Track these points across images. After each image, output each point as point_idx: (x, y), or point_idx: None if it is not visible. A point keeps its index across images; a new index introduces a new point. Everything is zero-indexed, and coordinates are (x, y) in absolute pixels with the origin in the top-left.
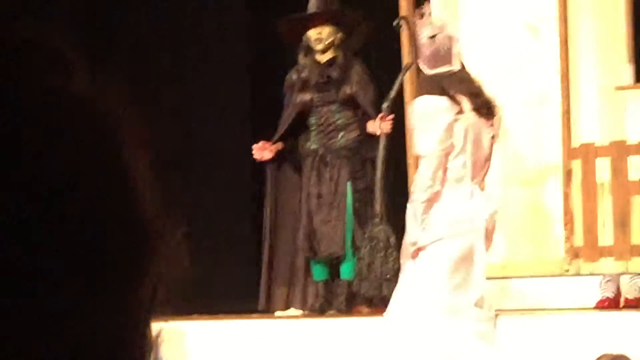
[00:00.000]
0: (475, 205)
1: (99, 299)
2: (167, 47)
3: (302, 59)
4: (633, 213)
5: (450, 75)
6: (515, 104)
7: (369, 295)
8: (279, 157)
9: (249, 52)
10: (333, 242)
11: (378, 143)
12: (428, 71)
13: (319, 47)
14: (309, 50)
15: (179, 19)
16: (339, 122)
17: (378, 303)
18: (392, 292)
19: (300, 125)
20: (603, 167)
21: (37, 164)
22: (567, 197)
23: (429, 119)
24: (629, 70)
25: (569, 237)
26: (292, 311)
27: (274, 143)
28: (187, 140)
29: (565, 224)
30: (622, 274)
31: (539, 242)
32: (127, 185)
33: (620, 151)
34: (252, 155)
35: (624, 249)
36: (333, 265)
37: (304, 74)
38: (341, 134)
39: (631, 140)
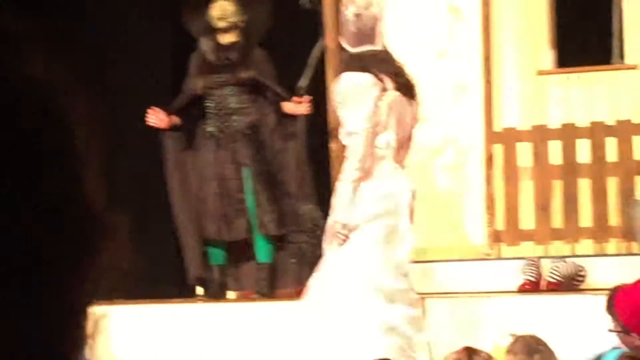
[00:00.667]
0: (399, 183)
1: (45, 284)
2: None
3: (203, 43)
4: (554, 197)
5: (373, 54)
6: (437, 87)
7: (303, 276)
8: (177, 133)
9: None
10: (238, 226)
11: (277, 125)
12: (351, 49)
13: (222, 24)
14: (211, 32)
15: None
16: (231, 105)
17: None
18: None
19: (200, 108)
20: (524, 152)
21: None
22: (488, 181)
23: (356, 95)
24: (550, 56)
25: (490, 221)
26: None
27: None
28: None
29: (487, 208)
30: (543, 257)
31: (460, 226)
32: (78, 173)
33: (541, 136)
34: None
35: (545, 233)
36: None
37: (205, 57)
38: (234, 117)
39: (552, 125)
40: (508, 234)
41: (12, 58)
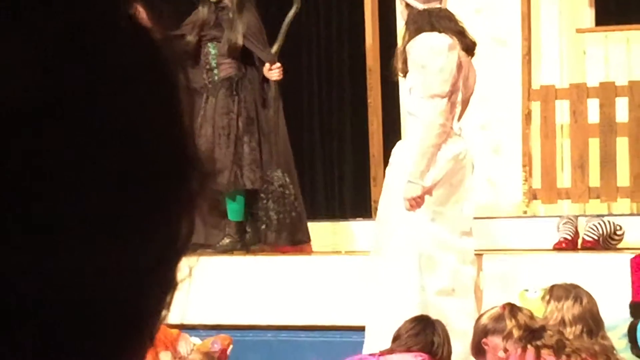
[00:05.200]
0: (462, 142)
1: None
2: None
3: (202, 3)
4: (591, 156)
5: (439, 12)
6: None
7: (269, 240)
8: None
9: None
10: (251, 174)
11: (259, 86)
12: (420, 6)
13: None
14: None
15: None
16: (213, 61)
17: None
18: (293, 236)
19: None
20: (562, 110)
21: (111, 101)
22: (526, 138)
23: (437, 58)
24: (589, 14)
25: (527, 179)
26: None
27: None
28: None
29: (524, 166)
30: (580, 216)
31: (497, 184)
32: (183, 124)
33: (579, 94)
34: None
35: (582, 191)
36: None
37: (200, 15)
38: (215, 71)
39: (590, 83)
40: (545, 192)
41: None
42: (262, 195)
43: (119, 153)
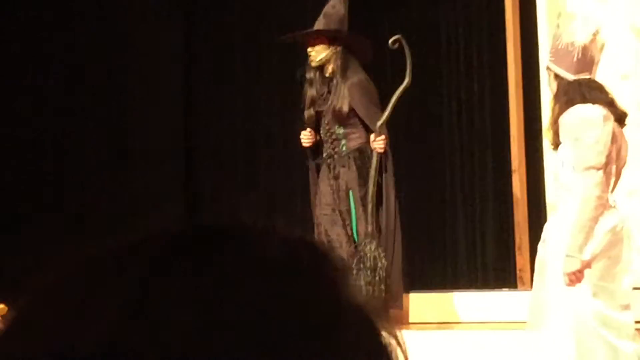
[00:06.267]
0: (618, 213)
1: None
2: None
3: (309, 73)
4: None
5: (589, 82)
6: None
7: None
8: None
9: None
10: (340, 252)
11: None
12: (570, 77)
13: (313, 63)
14: (312, 67)
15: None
16: (339, 131)
17: None
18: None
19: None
20: None
21: None
22: None
23: (592, 129)
24: None
25: None
26: None
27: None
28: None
29: None
30: None
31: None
32: None
33: None
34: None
35: None
36: None
37: (312, 88)
38: (342, 142)
39: None
40: None
41: None
42: (354, 266)
43: None
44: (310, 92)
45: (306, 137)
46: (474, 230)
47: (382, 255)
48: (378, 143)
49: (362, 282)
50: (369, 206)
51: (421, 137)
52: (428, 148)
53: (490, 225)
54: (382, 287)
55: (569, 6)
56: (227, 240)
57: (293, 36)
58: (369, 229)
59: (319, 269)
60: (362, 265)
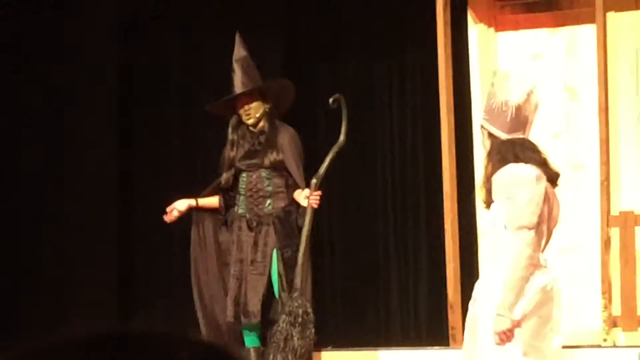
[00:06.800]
0: (549, 273)
1: None
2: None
3: (232, 134)
4: None
5: (522, 142)
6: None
7: None
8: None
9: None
10: (254, 309)
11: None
12: (504, 136)
13: (250, 122)
14: (241, 123)
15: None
16: (267, 188)
17: None
18: None
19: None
20: None
21: None
22: (605, 265)
23: (526, 188)
24: None
25: (607, 306)
26: None
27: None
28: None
29: (603, 293)
30: None
31: (576, 311)
32: None
33: None
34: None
35: None
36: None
37: (237, 147)
38: (268, 201)
39: None
40: (625, 319)
41: None
42: (285, 317)
43: None
44: (231, 153)
45: (173, 212)
46: (407, 286)
47: (310, 309)
48: (314, 198)
49: (295, 337)
50: (299, 261)
51: (355, 192)
52: (362, 203)
53: (423, 281)
54: (312, 342)
55: (503, 64)
56: (141, 347)
57: (226, 100)
58: (298, 283)
59: None
60: (292, 320)
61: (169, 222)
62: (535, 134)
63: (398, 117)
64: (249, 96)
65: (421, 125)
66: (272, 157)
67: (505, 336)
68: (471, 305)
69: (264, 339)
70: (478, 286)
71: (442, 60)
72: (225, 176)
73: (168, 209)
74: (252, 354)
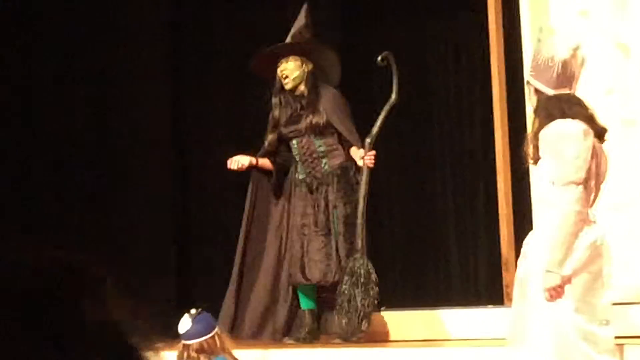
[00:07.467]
0: (599, 229)
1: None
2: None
3: (274, 97)
4: None
5: (569, 98)
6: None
7: (346, 330)
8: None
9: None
10: (325, 269)
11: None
12: (550, 91)
13: (288, 86)
14: (282, 87)
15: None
16: (320, 149)
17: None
18: (369, 327)
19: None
20: None
21: None
22: None
23: (572, 144)
24: None
25: None
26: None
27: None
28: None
29: None
30: None
31: (630, 268)
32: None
33: None
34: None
35: None
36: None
37: (280, 109)
38: (324, 161)
39: None
40: None
41: None
42: (346, 279)
43: None
44: (275, 114)
45: (237, 163)
46: (465, 245)
47: (372, 269)
48: (369, 158)
49: (357, 298)
50: (358, 222)
51: (410, 149)
52: (416, 159)
53: (482, 240)
54: (376, 301)
55: (552, 21)
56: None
57: (265, 54)
58: (359, 244)
59: (64, 292)
60: (355, 280)
61: (236, 169)
62: (586, 91)
63: (453, 76)
64: (286, 56)
65: (475, 83)
66: (315, 121)
67: (556, 292)
68: (521, 261)
69: (319, 302)
70: (527, 242)
71: (492, 19)
72: (269, 137)
73: (230, 160)
74: (307, 315)
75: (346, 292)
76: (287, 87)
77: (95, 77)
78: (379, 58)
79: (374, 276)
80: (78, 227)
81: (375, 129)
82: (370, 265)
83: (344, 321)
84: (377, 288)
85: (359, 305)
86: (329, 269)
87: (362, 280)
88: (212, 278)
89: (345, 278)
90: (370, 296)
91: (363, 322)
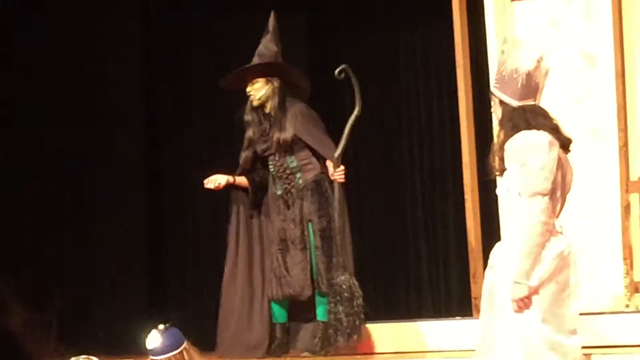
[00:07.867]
0: (564, 239)
1: None
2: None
3: (246, 115)
4: None
5: (534, 109)
6: (572, 135)
7: (339, 342)
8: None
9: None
10: (301, 284)
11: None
12: (515, 103)
13: (255, 103)
14: (253, 107)
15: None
16: (292, 165)
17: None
18: (360, 337)
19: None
20: None
21: None
22: (625, 231)
23: (539, 154)
24: None
25: (628, 272)
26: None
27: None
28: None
29: (624, 259)
30: None
31: (598, 278)
32: None
33: None
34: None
35: None
36: (291, 307)
37: (253, 127)
38: (298, 175)
39: None
40: None
41: None
42: (331, 299)
43: None
44: (249, 133)
45: (214, 182)
46: (435, 258)
47: (356, 284)
48: (339, 174)
49: (342, 314)
50: (338, 237)
51: (379, 162)
52: (385, 172)
53: (451, 253)
54: (362, 316)
55: (519, 32)
56: None
57: (231, 76)
58: (340, 260)
59: None
60: (339, 298)
61: (214, 188)
62: (554, 102)
63: (421, 87)
64: (254, 75)
65: (442, 95)
66: (283, 137)
67: (523, 303)
68: (488, 272)
69: (290, 316)
70: (494, 253)
71: (457, 30)
72: (244, 156)
73: (207, 179)
74: (278, 329)
75: (332, 311)
76: (254, 104)
77: (72, 94)
78: (337, 71)
79: (359, 291)
80: (51, 227)
81: (342, 144)
82: (353, 280)
83: (318, 335)
84: (360, 299)
85: (344, 321)
86: (306, 284)
87: (345, 295)
88: (183, 278)
89: (329, 298)
90: (355, 312)
91: (352, 336)
